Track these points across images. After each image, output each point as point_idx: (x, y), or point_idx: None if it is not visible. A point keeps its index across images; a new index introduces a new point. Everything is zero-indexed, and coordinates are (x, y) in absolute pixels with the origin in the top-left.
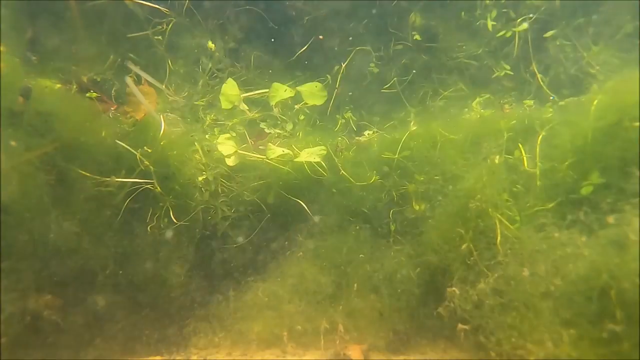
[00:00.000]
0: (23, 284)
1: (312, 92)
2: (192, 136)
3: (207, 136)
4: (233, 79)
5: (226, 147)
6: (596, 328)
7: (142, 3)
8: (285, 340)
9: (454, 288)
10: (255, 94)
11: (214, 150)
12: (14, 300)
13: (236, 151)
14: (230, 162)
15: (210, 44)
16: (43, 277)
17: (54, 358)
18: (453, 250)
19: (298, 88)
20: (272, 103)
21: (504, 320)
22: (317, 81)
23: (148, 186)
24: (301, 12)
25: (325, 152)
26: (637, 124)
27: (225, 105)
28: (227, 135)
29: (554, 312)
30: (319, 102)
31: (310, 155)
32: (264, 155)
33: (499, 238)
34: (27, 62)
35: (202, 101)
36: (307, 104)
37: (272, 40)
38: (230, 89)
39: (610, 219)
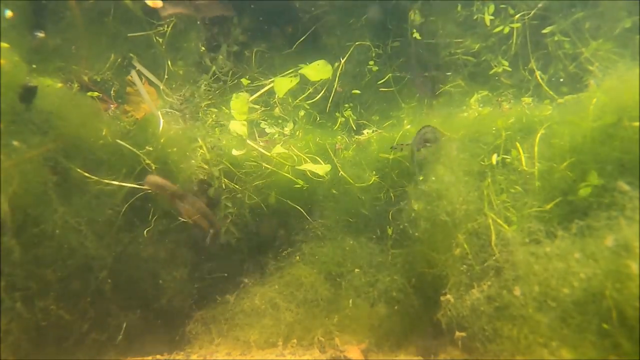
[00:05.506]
0: (21, 284)
1: (317, 70)
2: (195, 138)
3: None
4: (242, 92)
5: (238, 126)
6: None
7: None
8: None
9: (448, 296)
10: (262, 92)
11: (217, 147)
12: (13, 300)
13: (245, 138)
14: (236, 152)
15: (203, 46)
16: (42, 277)
17: (54, 358)
18: (448, 254)
19: (301, 71)
20: (280, 96)
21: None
22: None
23: None
24: (302, 10)
25: (330, 168)
26: (637, 123)
27: (238, 117)
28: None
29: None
30: (325, 76)
31: (315, 168)
32: (267, 153)
33: (493, 239)
34: (35, 41)
35: (205, 103)
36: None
37: (274, 37)
38: (239, 102)
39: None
